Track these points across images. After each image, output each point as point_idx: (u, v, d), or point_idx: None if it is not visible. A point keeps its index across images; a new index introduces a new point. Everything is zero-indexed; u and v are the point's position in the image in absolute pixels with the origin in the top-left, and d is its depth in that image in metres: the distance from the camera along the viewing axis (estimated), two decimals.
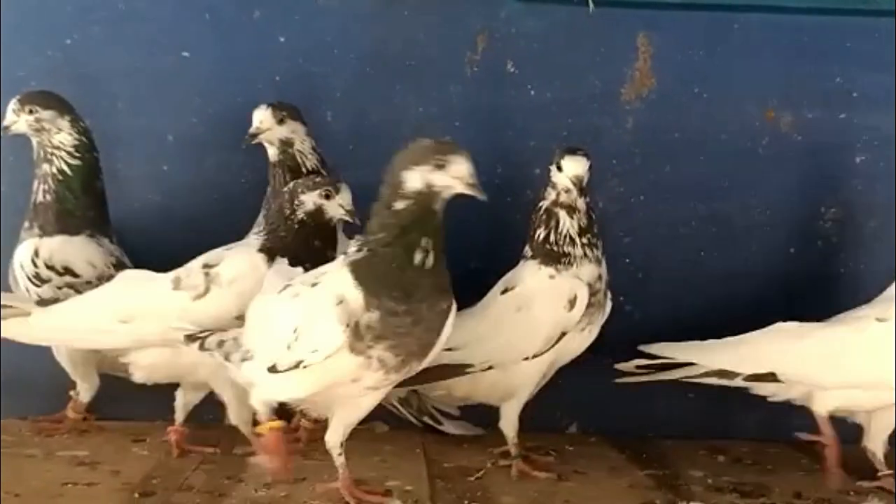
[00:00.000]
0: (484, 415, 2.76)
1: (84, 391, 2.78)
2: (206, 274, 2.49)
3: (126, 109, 2.95)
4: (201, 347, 2.38)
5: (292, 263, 2.44)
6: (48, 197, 2.74)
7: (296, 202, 2.50)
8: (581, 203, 2.56)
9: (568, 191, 2.55)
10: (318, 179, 2.55)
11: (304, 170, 2.74)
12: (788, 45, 3.01)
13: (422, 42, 3.01)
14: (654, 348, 2.67)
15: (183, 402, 2.64)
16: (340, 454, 2.27)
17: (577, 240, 2.56)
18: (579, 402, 2.96)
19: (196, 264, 2.53)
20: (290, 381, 2.18)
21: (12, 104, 2.75)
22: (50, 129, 2.74)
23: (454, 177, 2.09)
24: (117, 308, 2.52)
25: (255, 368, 2.24)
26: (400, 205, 2.10)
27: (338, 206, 2.50)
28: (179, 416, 2.65)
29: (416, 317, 2.11)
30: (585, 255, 2.56)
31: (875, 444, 2.60)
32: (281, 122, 2.73)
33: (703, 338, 2.65)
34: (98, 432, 2.78)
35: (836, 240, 3.04)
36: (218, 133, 2.98)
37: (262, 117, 2.73)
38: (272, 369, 2.18)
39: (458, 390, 2.65)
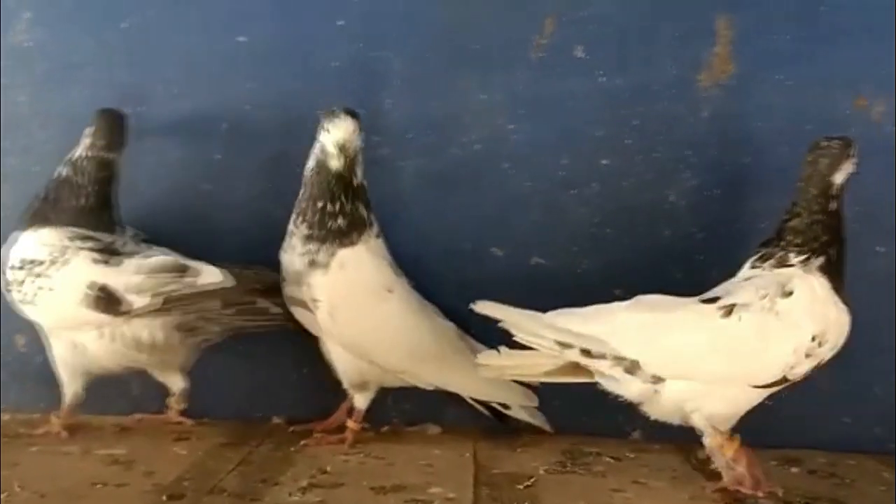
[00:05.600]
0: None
1: (68, 397, 2.65)
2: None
3: (181, 95, 2.88)
4: (587, 356, 2.32)
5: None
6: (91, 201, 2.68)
7: (832, 190, 2.37)
8: None
9: None
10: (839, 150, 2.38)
11: (354, 182, 2.57)
12: (881, 27, 2.78)
13: (486, 26, 2.88)
14: None
15: None
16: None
17: None
18: None
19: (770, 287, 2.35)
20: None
21: None
22: None
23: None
24: None
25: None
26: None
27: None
28: None
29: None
30: None
31: None
32: (360, 131, 2.55)
33: None
34: (139, 430, 2.70)
35: None
36: (273, 120, 2.88)
37: (352, 128, 2.51)
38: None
39: None
